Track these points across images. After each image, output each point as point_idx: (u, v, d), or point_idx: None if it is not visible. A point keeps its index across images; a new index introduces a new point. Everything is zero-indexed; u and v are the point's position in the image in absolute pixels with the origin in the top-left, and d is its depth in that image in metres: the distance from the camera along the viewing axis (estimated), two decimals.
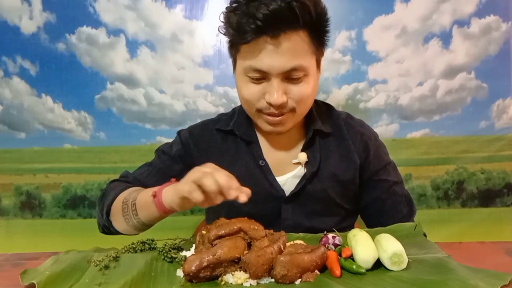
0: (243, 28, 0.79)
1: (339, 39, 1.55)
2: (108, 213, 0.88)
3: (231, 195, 0.66)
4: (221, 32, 0.86)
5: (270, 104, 0.83)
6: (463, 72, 1.59)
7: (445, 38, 1.57)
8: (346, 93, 1.59)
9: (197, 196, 0.67)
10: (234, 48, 0.87)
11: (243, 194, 0.66)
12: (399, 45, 1.56)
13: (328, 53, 1.51)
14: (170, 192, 0.74)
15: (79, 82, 1.58)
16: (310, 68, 0.84)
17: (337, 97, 1.58)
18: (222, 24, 0.85)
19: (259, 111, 0.87)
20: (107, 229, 0.91)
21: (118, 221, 0.87)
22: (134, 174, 1.00)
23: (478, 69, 1.58)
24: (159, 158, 1.01)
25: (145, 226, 0.84)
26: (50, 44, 1.57)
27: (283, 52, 0.80)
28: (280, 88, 0.82)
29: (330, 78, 1.57)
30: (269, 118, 0.86)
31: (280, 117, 0.86)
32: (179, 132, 1.04)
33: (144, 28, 1.56)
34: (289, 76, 0.82)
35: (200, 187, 0.67)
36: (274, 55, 0.80)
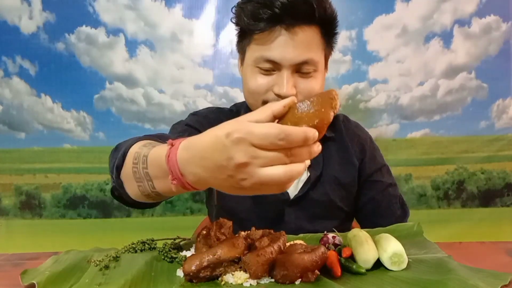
0: (258, 16, 0.79)
1: (339, 39, 1.54)
2: (119, 169, 0.66)
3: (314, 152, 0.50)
4: (233, 22, 0.85)
5: (279, 96, 0.83)
6: (464, 72, 1.59)
7: (446, 38, 1.57)
8: (346, 93, 1.59)
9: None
10: (246, 39, 0.86)
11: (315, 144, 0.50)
12: (400, 44, 1.56)
13: None
14: (200, 169, 0.50)
15: (78, 82, 1.58)
16: (320, 64, 0.85)
17: None
18: (235, 15, 0.84)
19: (265, 103, 0.85)
20: (118, 192, 0.69)
21: (128, 182, 0.65)
22: (168, 135, 0.84)
23: (478, 69, 1.58)
24: (185, 127, 0.92)
25: (160, 196, 0.62)
26: (50, 44, 1.57)
27: (296, 44, 0.80)
28: (290, 80, 0.82)
29: (330, 78, 1.57)
30: None
31: None
32: (195, 113, 0.99)
33: (144, 27, 1.56)
34: (300, 70, 0.83)
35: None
36: (287, 46, 0.80)
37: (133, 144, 0.66)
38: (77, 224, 1.64)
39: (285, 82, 0.81)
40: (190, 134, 0.77)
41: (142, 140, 0.68)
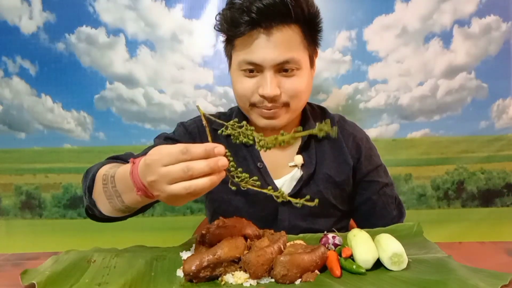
0: (237, 21, 0.82)
1: (339, 39, 1.55)
2: (90, 190, 0.76)
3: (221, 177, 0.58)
4: (216, 29, 0.88)
5: (263, 97, 0.85)
6: (463, 72, 1.59)
7: (446, 38, 1.56)
8: (346, 93, 1.59)
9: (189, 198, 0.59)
10: (230, 44, 0.89)
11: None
12: (399, 45, 1.56)
13: (328, 53, 1.52)
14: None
15: (79, 82, 1.57)
16: (303, 63, 0.86)
17: (337, 97, 1.58)
18: (217, 22, 0.87)
19: (253, 105, 0.89)
20: (92, 210, 0.80)
21: (100, 200, 0.75)
22: (138, 154, 0.89)
23: (478, 69, 1.58)
24: (164, 141, 0.97)
25: (129, 208, 0.71)
26: (50, 44, 1.57)
27: (276, 44, 0.82)
28: (273, 80, 0.84)
29: (330, 78, 1.57)
30: (263, 110, 0.88)
31: (273, 110, 0.87)
32: (182, 123, 1.03)
33: (144, 28, 1.56)
34: (282, 69, 0.84)
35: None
36: (267, 47, 0.82)
37: (100, 168, 0.76)
38: (77, 224, 1.64)
39: (268, 82, 0.83)
40: None
41: (108, 163, 0.79)
